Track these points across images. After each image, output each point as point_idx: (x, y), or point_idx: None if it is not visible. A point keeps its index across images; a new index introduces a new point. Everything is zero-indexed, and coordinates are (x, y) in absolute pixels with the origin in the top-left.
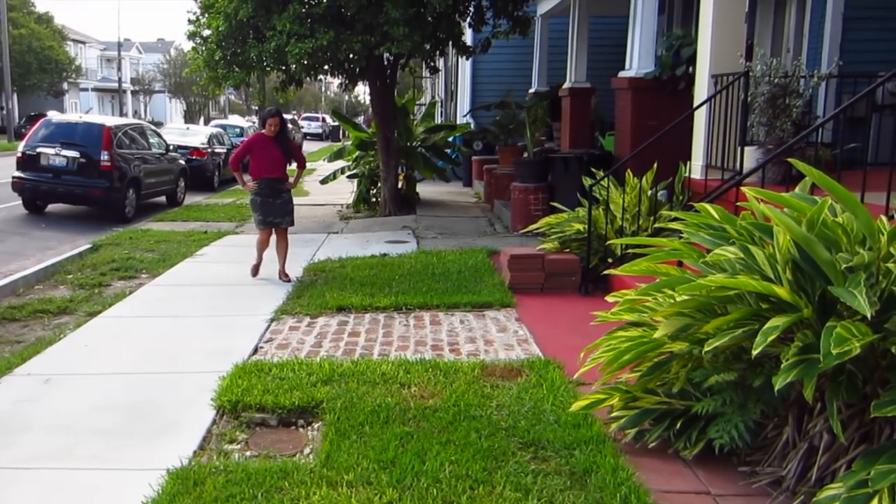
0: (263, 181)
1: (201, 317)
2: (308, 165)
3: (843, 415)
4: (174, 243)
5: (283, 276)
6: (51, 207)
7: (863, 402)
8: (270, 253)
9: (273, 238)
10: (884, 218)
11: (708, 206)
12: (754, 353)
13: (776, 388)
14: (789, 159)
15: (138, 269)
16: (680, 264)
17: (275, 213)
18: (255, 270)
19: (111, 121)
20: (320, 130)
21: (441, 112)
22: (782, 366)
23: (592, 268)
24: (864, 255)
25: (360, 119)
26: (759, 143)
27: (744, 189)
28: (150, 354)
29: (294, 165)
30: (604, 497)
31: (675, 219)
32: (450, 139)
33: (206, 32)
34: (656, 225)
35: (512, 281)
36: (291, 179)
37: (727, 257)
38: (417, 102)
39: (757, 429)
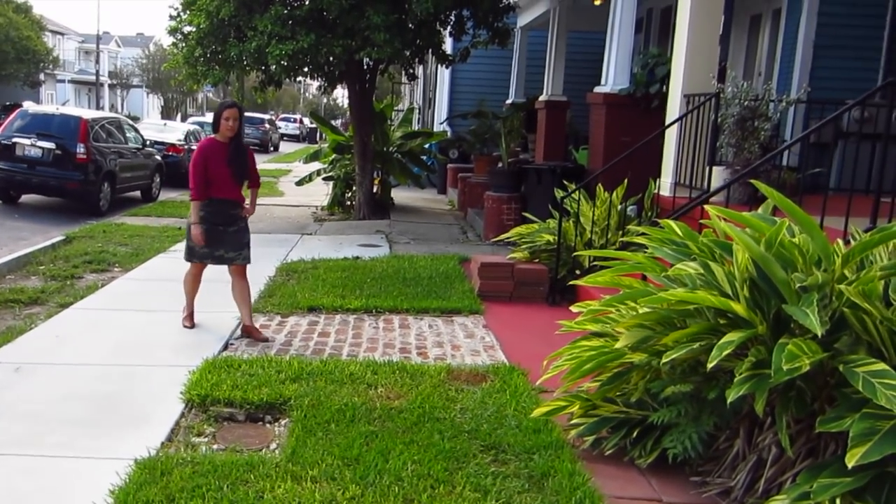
0: (213, 203)
1: (173, 311)
2: (284, 166)
3: (792, 429)
4: (148, 238)
5: (254, 331)
6: (25, 198)
7: (811, 418)
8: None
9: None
10: (840, 241)
11: (672, 223)
12: (709, 366)
13: (728, 400)
14: (752, 181)
15: (111, 263)
16: (644, 278)
17: (226, 247)
18: (191, 320)
19: (88, 114)
20: (297, 132)
21: (419, 119)
22: (735, 379)
23: (561, 278)
24: (817, 276)
25: (339, 122)
26: (727, 163)
27: (707, 207)
28: (120, 347)
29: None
30: (560, 500)
31: (642, 234)
32: (426, 146)
33: (188, 29)
34: (623, 239)
35: (481, 288)
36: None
37: (688, 272)
38: (395, 108)
39: (710, 440)
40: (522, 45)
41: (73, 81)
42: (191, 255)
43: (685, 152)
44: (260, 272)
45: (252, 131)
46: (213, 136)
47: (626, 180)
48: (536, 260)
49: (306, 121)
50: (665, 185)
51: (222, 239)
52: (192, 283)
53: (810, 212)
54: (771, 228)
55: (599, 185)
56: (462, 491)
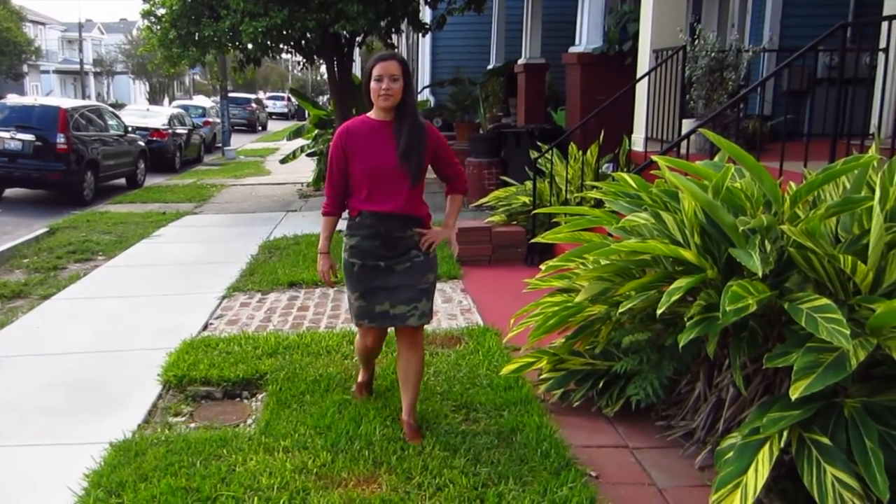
0: (366, 222)
1: (154, 296)
2: (271, 145)
3: (749, 369)
4: (132, 225)
5: (412, 432)
6: (8, 192)
7: None
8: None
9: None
10: (792, 184)
11: (626, 175)
12: (659, 312)
13: (680, 344)
14: (702, 130)
15: (94, 252)
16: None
17: (390, 295)
18: (364, 389)
19: (67, 103)
20: (286, 110)
21: None
22: (687, 324)
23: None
24: (761, 219)
25: (325, 98)
26: (698, 115)
27: (656, 158)
28: (100, 334)
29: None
30: (527, 453)
31: (596, 188)
32: None
33: (161, 11)
34: (594, 195)
35: (460, 253)
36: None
37: (640, 223)
38: None
39: (671, 385)
40: (500, 10)
41: (57, 71)
42: (352, 312)
43: (656, 107)
44: (242, 251)
45: (239, 111)
46: (365, 114)
47: (599, 138)
48: (514, 222)
49: (294, 98)
50: (638, 140)
51: (378, 285)
52: (367, 352)
53: (776, 158)
54: (717, 175)
55: (571, 144)
56: (432, 451)
